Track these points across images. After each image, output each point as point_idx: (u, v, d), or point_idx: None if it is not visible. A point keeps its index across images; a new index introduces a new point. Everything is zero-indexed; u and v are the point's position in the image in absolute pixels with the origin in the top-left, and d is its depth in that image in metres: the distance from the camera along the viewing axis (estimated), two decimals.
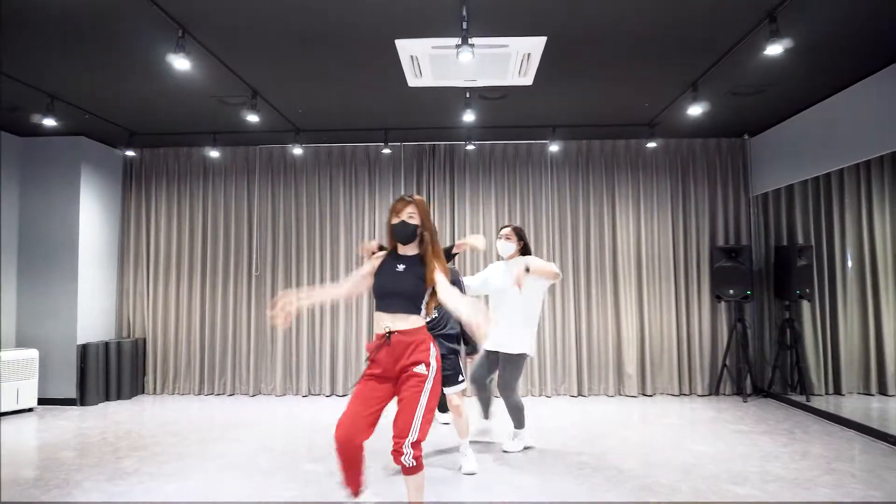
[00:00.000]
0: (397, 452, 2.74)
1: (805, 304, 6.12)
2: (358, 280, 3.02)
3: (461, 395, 4.13)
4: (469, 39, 3.68)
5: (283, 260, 6.97)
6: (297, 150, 6.43)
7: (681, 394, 6.68)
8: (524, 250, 4.47)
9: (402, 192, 6.93)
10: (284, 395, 6.82)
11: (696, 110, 5.04)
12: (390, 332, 2.85)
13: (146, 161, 7.13)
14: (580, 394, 6.70)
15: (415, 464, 2.76)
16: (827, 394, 5.90)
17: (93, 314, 6.61)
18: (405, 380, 2.84)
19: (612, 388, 6.70)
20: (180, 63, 3.86)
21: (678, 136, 6.74)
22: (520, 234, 4.47)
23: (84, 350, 6.36)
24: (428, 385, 2.83)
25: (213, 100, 5.31)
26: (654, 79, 4.90)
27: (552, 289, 6.71)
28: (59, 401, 6.34)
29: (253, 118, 5.21)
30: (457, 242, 4.16)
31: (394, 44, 4.15)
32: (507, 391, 4.38)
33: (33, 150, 6.45)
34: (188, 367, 6.96)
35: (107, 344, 6.54)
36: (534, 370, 6.71)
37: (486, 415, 4.79)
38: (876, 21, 3.88)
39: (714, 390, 6.65)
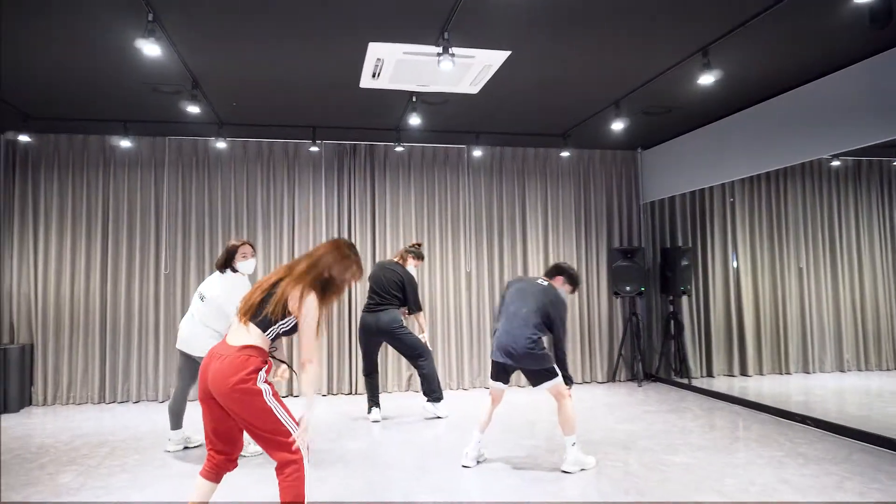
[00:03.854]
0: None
1: (685, 299, 7.03)
2: None
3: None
4: (450, 49, 3.88)
5: (196, 258, 6.65)
6: (221, 144, 6.19)
7: (583, 381, 7.33)
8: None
9: (323, 191, 6.91)
10: (194, 399, 6.50)
11: (617, 125, 5.63)
12: None
13: (33, 148, 6.44)
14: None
15: None
16: (702, 376, 6.83)
17: None
18: None
19: (522, 379, 7.19)
20: (150, 49, 3.66)
21: (581, 147, 7.40)
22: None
23: None
24: None
25: (142, 86, 4.99)
26: (585, 91, 5.38)
27: (471, 290, 7.08)
28: None
29: (193, 109, 4.98)
30: None
31: (356, 44, 4.23)
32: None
33: None
34: (85, 374, 6.40)
35: None
36: (452, 364, 7.02)
37: None
38: (766, 64, 4.65)
39: (612, 377, 7.39)
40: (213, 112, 5.71)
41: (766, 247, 6.08)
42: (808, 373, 5.83)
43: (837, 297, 5.46)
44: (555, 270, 4.29)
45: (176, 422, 4.60)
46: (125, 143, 6.16)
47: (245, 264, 4.32)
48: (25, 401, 6.23)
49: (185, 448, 4.62)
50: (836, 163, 5.30)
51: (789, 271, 5.84)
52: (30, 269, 6.38)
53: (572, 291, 4.28)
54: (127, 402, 6.44)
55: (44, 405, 6.31)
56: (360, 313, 6.92)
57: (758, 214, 6.12)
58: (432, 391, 5.51)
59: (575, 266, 7.40)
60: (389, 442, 4.81)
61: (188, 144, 6.72)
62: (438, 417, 5.55)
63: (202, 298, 4.39)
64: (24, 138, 6.01)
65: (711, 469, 3.99)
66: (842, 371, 5.59)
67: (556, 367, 4.01)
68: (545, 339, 4.03)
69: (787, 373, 6.02)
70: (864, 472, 3.89)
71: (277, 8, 3.69)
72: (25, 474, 4.09)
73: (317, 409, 2.67)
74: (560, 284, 4.22)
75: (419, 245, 5.84)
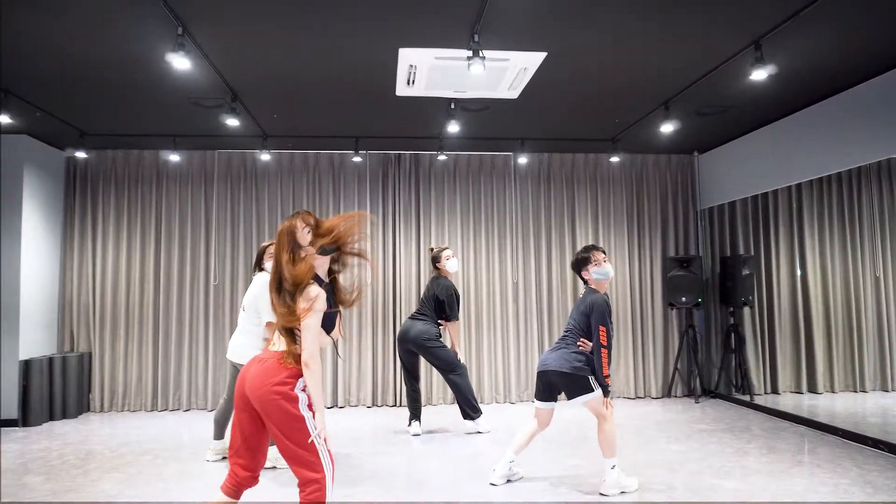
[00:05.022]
0: None
1: (746, 310, 6.61)
2: None
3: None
4: (480, 52, 3.76)
5: (244, 269, 6.75)
6: (265, 157, 6.27)
7: (636, 396, 7.01)
8: None
9: (368, 201, 6.90)
10: None
11: (667, 128, 5.35)
12: None
13: (92, 164, 6.72)
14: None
15: None
16: (766, 393, 6.39)
17: (34, 328, 6.13)
18: None
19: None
20: (180, 62, 3.70)
21: (633, 152, 7.11)
22: None
23: (27, 366, 5.89)
24: None
25: (185, 101, 5.10)
26: (631, 93, 5.15)
27: (518, 300, 6.90)
28: None
29: (233, 122, 5.05)
30: None
31: (387, 51, 4.17)
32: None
33: None
34: (139, 383, 6.59)
35: (51, 359, 6.09)
36: (498, 376, 6.84)
37: None
38: (826, 57, 4.30)
39: (667, 392, 7.02)
40: (256, 124, 5.78)
41: (838, 254, 5.60)
42: (886, 391, 5.35)
43: None
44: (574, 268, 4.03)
45: (219, 432, 4.63)
46: (175, 158, 6.33)
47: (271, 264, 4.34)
48: (84, 407, 6.46)
49: (223, 458, 4.64)
50: None
51: (864, 280, 5.36)
52: (88, 280, 6.63)
53: (599, 272, 3.88)
54: (178, 410, 6.59)
55: (100, 412, 6.53)
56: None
57: (828, 219, 5.65)
58: (466, 409, 5.37)
59: (628, 275, 7.10)
60: (426, 457, 4.69)
61: (236, 157, 6.85)
62: (479, 433, 5.40)
63: (243, 308, 4.48)
64: (81, 155, 6.26)
65: (765, 496, 3.67)
66: None
67: (592, 379, 3.78)
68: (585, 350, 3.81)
69: (863, 390, 5.55)
70: None
71: (299, 9, 3.67)
72: (70, 480, 4.19)
73: (325, 416, 2.52)
74: (590, 277, 3.93)
75: (431, 250, 5.70)
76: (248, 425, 2.57)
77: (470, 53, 3.76)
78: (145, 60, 4.24)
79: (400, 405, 6.65)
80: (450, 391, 6.73)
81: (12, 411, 5.85)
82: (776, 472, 4.16)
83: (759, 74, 4.01)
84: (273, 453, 4.12)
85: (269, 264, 4.37)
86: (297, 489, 2.51)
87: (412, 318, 5.47)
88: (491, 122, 5.85)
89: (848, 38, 4.01)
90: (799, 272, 5.96)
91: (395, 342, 6.74)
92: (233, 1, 3.46)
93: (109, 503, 3.70)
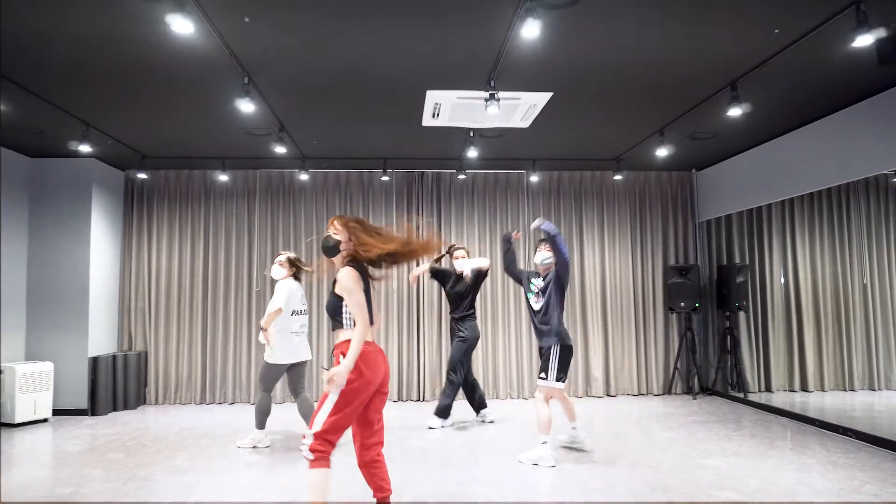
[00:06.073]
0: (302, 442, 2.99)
1: (742, 315, 7.21)
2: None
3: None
4: (496, 95, 4.46)
5: None
6: (304, 176, 7.03)
7: (639, 393, 7.65)
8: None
9: (395, 215, 7.63)
10: (283, 402, 7.32)
11: (662, 151, 6.02)
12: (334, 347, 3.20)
13: (147, 182, 7.52)
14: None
15: (311, 457, 2.93)
16: (759, 391, 6.99)
17: (100, 329, 6.92)
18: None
19: (581, 390, 7.59)
20: (245, 106, 4.45)
21: (636, 169, 7.77)
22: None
23: (95, 363, 6.67)
24: (335, 389, 2.97)
25: (239, 131, 5.86)
26: (629, 123, 5.83)
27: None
28: (71, 411, 6.61)
29: (280, 149, 5.80)
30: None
31: (413, 91, 4.88)
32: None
33: (43, 171, 6.74)
34: (189, 378, 7.35)
35: (114, 357, 6.87)
36: (513, 376, 7.52)
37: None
38: (808, 85, 4.95)
39: (667, 390, 7.66)
40: (297, 149, 6.54)
41: (828, 262, 6.13)
42: (873, 389, 5.87)
43: None
44: None
45: (262, 422, 5.28)
46: (223, 178, 7.11)
47: (271, 269, 5.35)
48: (141, 400, 7.23)
49: (254, 448, 5.25)
50: None
51: (853, 287, 5.86)
52: (144, 286, 7.42)
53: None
54: (224, 403, 7.34)
55: (155, 404, 7.30)
56: (425, 325, 7.58)
57: (819, 230, 6.19)
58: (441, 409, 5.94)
59: (631, 282, 7.75)
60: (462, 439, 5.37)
61: (276, 176, 7.61)
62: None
63: (301, 312, 5.33)
64: (142, 175, 7.06)
65: (739, 472, 4.32)
66: None
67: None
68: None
69: (852, 389, 6.06)
70: (888, 478, 4.12)
71: (351, 78, 4.40)
72: (147, 457, 4.93)
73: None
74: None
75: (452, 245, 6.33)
76: (374, 404, 3.14)
77: (487, 96, 4.47)
78: (212, 102, 5.00)
79: (422, 400, 7.35)
80: (502, 384, 7.39)
81: (83, 402, 6.64)
82: (753, 454, 4.80)
83: (735, 111, 4.66)
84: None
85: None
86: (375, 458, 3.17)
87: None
88: (505, 146, 6.55)
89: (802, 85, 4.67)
90: (786, 279, 6.53)
91: (420, 341, 7.44)
92: (287, 59, 4.19)
93: (110, 503, 4.40)
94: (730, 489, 3.94)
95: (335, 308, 3.13)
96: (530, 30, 3.30)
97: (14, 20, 3.55)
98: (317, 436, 2.93)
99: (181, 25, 3.10)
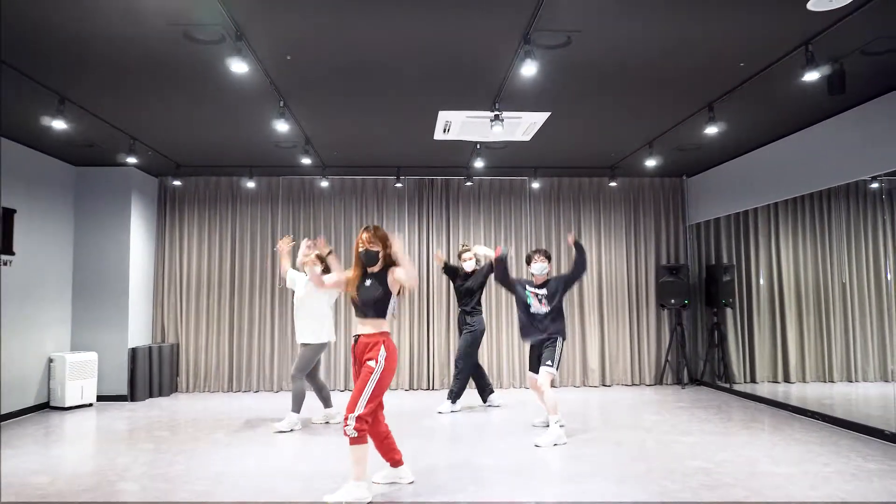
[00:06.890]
0: (344, 424, 3.46)
1: (728, 311, 7.78)
2: (340, 280, 3.92)
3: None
4: (500, 116, 5.08)
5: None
6: (324, 183, 7.67)
7: (633, 384, 8.26)
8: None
9: (407, 219, 8.25)
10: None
11: (651, 162, 6.63)
12: (357, 335, 3.73)
13: (179, 188, 8.17)
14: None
15: (356, 435, 3.45)
16: (745, 382, 7.54)
17: (137, 322, 7.58)
18: (361, 370, 3.65)
19: (579, 380, 8.21)
20: (281, 126, 5.08)
21: (630, 176, 8.37)
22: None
23: (133, 353, 7.33)
24: (375, 375, 3.57)
25: (268, 144, 6.49)
26: (620, 137, 6.44)
27: None
28: (113, 397, 7.27)
29: (306, 160, 6.44)
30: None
31: (428, 108, 5.50)
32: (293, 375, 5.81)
33: (87, 178, 7.40)
34: (217, 368, 8.00)
35: (150, 348, 7.53)
36: (515, 364, 8.14)
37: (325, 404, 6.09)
38: (780, 104, 5.54)
39: (659, 380, 8.26)
40: (319, 159, 7.17)
41: (810, 263, 6.53)
42: (850, 381, 6.35)
43: (882, 310, 5.65)
44: None
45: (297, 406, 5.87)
46: (250, 185, 7.75)
47: None
48: (174, 387, 7.89)
49: (292, 430, 5.80)
50: (874, 185, 5.59)
51: (833, 286, 6.26)
52: (175, 283, 8.07)
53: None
54: (249, 391, 7.99)
55: (187, 392, 7.96)
56: (434, 318, 8.20)
57: (801, 233, 6.61)
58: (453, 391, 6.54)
59: (626, 281, 8.35)
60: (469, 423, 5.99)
61: (297, 182, 8.25)
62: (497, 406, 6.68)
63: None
64: (177, 182, 7.71)
65: (713, 447, 4.93)
66: (885, 381, 6.14)
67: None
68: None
69: (832, 381, 6.54)
70: (839, 451, 4.72)
71: (370, 91, 5.03)
72: (189, 434, 5.57)
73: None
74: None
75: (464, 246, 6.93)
76: None
77: (492, 116, 5.09)
78: (248, 120, 5.63)
79: (432, 389, 7.98)
80: (506, 374, 8.00)
81: (123, 389, 7.30)
82: (728, 433, 5.41)
83: (712, 130, 5.27)
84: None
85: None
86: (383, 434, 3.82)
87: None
88: (509, 156, 7.17)
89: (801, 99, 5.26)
90: (770, 278, 7.05)
91: (430, 333, 8.07)
92: (318, 87, 4.81)
93: (125, 503, 5.02)
94: (700, 459, 4.55)
95: (384, 301, 3.68)
96: (528, 69, 3.91)
97: (74, 48, 4.18)
98: (359, 418, 3.47)
99: (238, 66, 3.74)
